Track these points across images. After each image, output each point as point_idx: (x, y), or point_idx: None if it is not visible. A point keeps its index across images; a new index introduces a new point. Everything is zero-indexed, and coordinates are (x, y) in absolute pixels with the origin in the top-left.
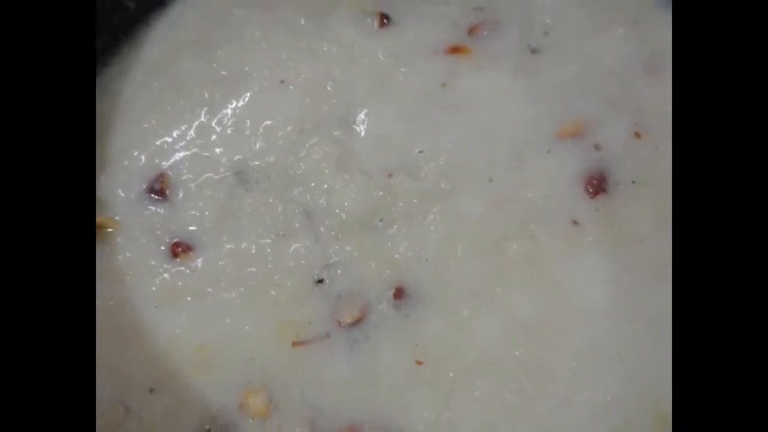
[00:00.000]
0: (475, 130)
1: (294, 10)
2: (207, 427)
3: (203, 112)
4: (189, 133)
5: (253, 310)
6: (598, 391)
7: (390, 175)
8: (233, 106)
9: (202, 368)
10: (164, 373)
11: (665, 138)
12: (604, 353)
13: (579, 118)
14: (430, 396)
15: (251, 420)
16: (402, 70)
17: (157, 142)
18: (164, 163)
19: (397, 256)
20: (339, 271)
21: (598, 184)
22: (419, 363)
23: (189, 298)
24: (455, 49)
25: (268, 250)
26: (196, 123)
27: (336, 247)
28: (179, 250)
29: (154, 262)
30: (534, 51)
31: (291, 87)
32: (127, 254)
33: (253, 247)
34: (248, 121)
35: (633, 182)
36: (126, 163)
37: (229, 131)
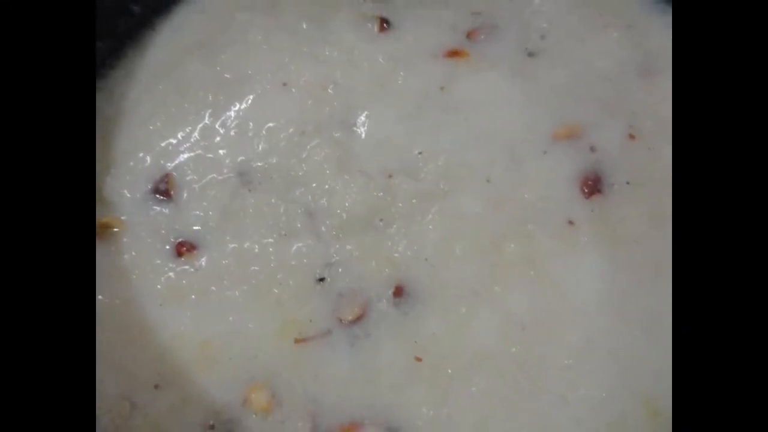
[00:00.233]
0: (473, 132)
1: (296, 15)
2: (211, 423)
3: (207, 115)
4: (193, 135)
5: (256, 308)
6: (593, 386)
7: (390, 176)
8: (236, 108)
9: (206, 365)
10: (169, 369)
11: (659, 140)
12: (599, 350)
13: (575, 120)
14: (429, 392)
15: (254, 415)
16: (401, 73)
17: (162, 144)
18: (169, 165)
19: (396, 255)
20: (340, 270)
21: (593, 185)
22: (418, 360)
23: (193, 297)
24: (454, 53)
25: (271, 249)
26: (200, 125)
27: (337, 247)
28: (184, 249)
29: (159, 261)
30: (531, 54)
31: (293, 90)
32: (133, 253)
33: (256, 246)
34: (251, 123)
35: (627, 183)
36: (131, 164)
37: (232, 133)
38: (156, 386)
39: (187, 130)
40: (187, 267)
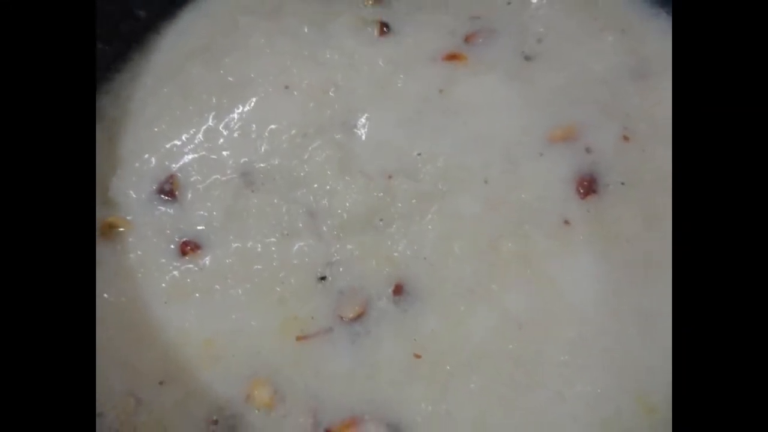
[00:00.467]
0: (471, 134)
1: (297, 19)
2: (214, 418)
3: (211, 117)
4: (197, 137)
5: (258, 306)
6: (588, 383)
7: (390, 177)
8: (239, 110)
9: (209, 361)
10: (174, 366)
11: (652, 141)
12: (594, 347)
13: (570, 122)
14: (428, 388)
15: (257, 411)
16: (401, 76)
17: (167, 145)
18: (174, 166)
19: (396, 254)
20: (341, 269)
21: (588, 186)
22: (417, 357)
23: (197, 295)
24: (452, 57)
25: (273, 248)
26: (204, 127)
27: (338, 246)
28: (188, 248)
29: (164, 260)
30: (527, 58)
31: (295, 93)
32: (139, 252)
33: (259, 245)
34: (254, 125)
35: (622, 184)
36: (137, 165)
37: (235, 135)
38: (161, 382)
39: (192, 132)
40: (191, 266)
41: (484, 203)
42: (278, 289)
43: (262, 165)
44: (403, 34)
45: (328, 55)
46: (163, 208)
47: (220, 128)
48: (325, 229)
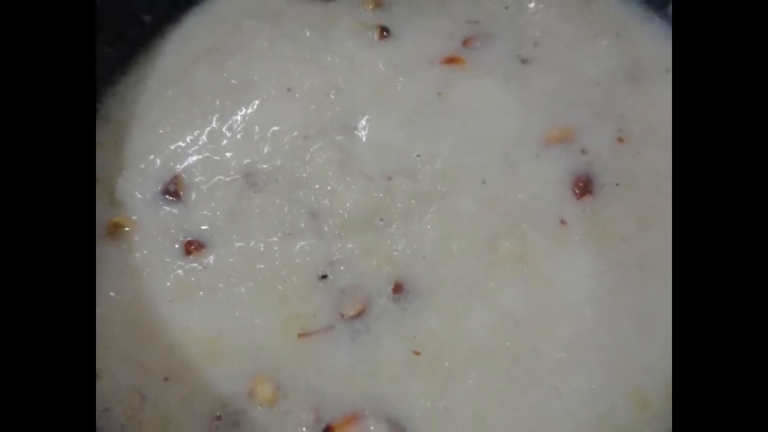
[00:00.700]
0: (469, 136)
1: (299, 24)
2: (218, 413)
3: (214, 119)
4: (201, 139)
5: (261, 304)
6: (584, 379)
7: (389, 178)
8: (243, 113)
9: (213, 358)
10: (178, 363)
11: (646, 143)
12: (590, 344)
13: (566, 124)
14: (427, 385)
15: (259, 407)
16: (401, 79)
17: (172, 147)
18: (178, 167)
19: (396, 253)
20: (342, 268)
21: (584, 186)
22: (417, 354)
23: (201, 293)
24: (451, 60)
25: (276, 247)
26: (208, 129)
27: (339, 245)
28: (192, 247)
29: (168, 259)
30: (524, 61)
31: (297, 95)
32: (144, 252)
33: (262, 245)
34: (257, 127)
35: (617, 184)
36: (142, 166)
37: (238, 136)
38: (166, 379)
39: (196, 134)
40: (195, 265)
41: (482, 203)
42: (280, 287)
43: (264, 166)
44: (402, 38)
45: (329, 59)
46: (167, 209)
47: (224, 130)
48: (326, 228)
